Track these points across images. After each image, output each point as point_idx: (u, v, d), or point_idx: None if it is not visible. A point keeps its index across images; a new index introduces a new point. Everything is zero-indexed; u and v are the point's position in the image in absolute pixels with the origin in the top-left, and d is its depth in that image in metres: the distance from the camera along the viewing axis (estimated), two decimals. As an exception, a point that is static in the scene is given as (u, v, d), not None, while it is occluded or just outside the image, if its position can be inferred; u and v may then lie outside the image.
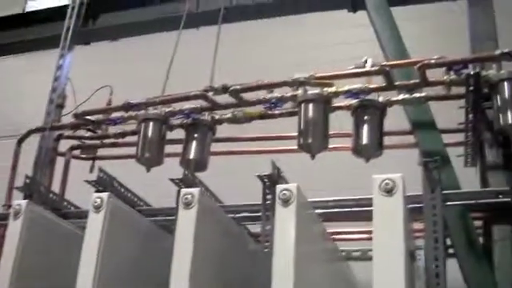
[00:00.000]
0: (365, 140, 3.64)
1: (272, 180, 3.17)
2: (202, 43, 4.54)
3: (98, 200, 3.00)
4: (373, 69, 3.71)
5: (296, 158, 3.99)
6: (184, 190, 2.91)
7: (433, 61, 3.59)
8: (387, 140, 3.92)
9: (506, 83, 3.44)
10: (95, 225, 2.95)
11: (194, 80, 4.20)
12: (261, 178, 3.19)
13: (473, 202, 3.41)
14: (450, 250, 3.60)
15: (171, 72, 4.42)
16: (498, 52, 3.50)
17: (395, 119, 3.99)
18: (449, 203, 3.35)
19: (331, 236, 3.88)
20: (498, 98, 3.45)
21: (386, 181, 2.54)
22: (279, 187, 2.63)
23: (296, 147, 3.78)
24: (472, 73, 3.50)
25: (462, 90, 3.58)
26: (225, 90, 4.05)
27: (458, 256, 3.54)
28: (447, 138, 4.01)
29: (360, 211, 3.53)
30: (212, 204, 3.27)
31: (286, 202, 2.59)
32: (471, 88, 3.47)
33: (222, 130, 4.32)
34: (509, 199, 3.33)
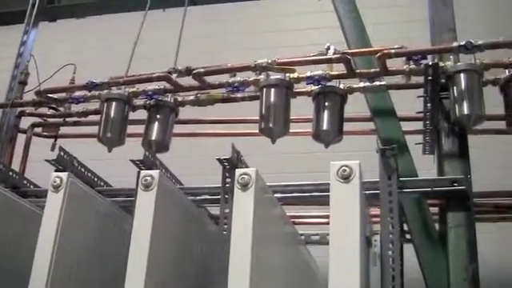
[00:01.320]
0: (325, 126, 3.69)
1: (232, 163, 3.18)
2: (168, 25, 4.53)
3: (58, 179, 2.99)
4: (334, 56, 3.75)
5: (258, 141, 4.02)
6: (144, 172, 2.91)
7: (392, 51, 3.65)
8: (350, 126, 3.96)
9: (462, 75, 3.53)
10: (54, 204, 2.94)
11: (159, 61, 4.21)
12: (220, 161, 3.20)
13: (429, 189, 3.44)
14: (408, 236, 3.65)
15: (137, 53, 4.41)
16: (455, 44, 3.57)
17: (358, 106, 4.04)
18: (405, 190, 3.38)
19: (291, 220, 3.91)
20: (455, 88, 3.54)
21: (344, 167, 2.59)
22: (238, 171, 2.67)
23: (257, 131, 3.81)
24: (430, 63, 3.57)
25: (421, 79, 3.64)
26: (188, 72, 4.06)
27: (414, 241, 3.59)
28: (406, 126, 4.06)
29: (319, 196, 3.55)
30: (172, 186, 3.27)
31: (244, 187, 2.63)
32: (430, 78, 3.54)
33: (183, 113, 4.32)
34: (463, 187, 3.38)
